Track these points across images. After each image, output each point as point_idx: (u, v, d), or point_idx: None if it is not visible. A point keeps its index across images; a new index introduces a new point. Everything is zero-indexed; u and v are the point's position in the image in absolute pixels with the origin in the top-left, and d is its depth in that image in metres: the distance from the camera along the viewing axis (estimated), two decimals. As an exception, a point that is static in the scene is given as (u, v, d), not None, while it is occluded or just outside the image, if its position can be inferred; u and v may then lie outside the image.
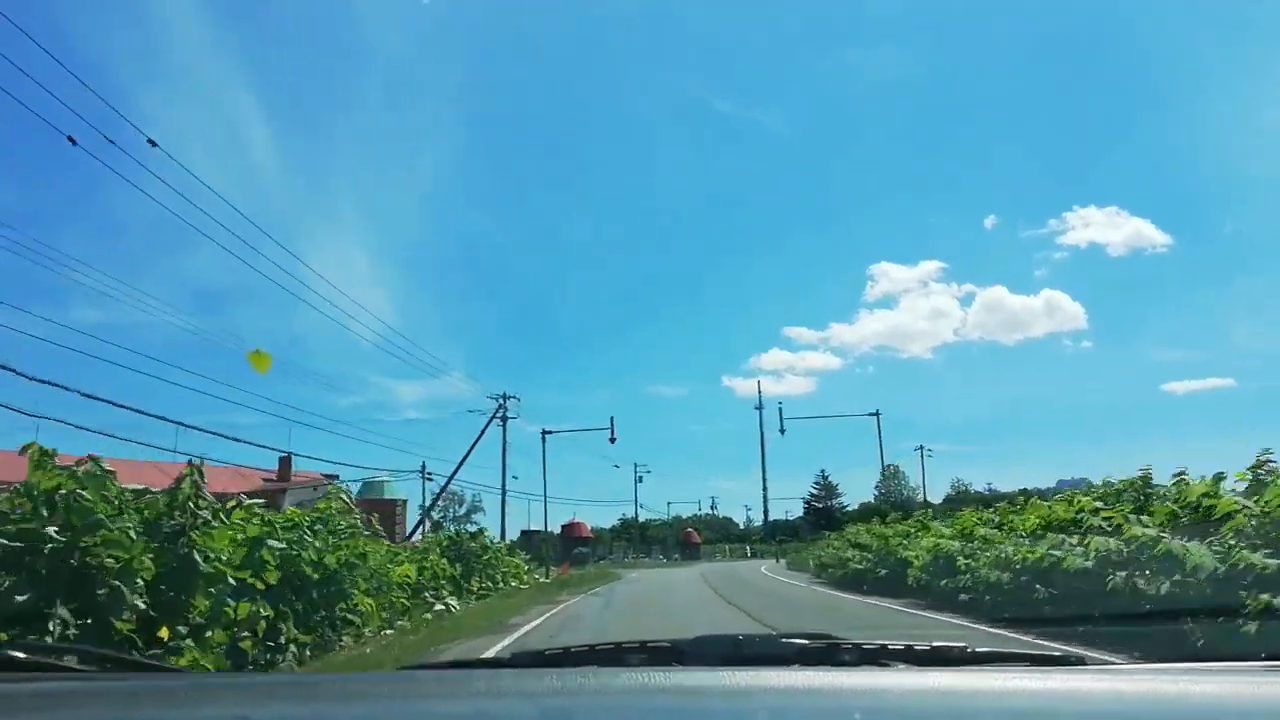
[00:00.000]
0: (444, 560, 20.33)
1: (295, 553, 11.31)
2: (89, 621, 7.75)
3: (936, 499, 69.06)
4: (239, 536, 10.44)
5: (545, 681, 1.43)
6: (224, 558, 9.86)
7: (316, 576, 11.84)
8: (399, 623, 16.11)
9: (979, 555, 15.78)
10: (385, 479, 62.63)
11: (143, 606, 8.70)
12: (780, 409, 57.41)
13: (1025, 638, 11.77)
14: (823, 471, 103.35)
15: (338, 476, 55.94)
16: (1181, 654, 8.49)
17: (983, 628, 13.22)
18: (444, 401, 77.28)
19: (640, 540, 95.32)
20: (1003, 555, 14.77)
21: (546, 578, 37.57)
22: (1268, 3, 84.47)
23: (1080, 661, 1.71)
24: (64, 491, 7.76)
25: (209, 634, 9.36)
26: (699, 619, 15.29)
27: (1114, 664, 2.13)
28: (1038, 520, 14.66)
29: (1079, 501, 14.10)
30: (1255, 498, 10.18)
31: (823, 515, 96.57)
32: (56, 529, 7.59)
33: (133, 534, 8.66)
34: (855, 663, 1.67)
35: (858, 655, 1.70)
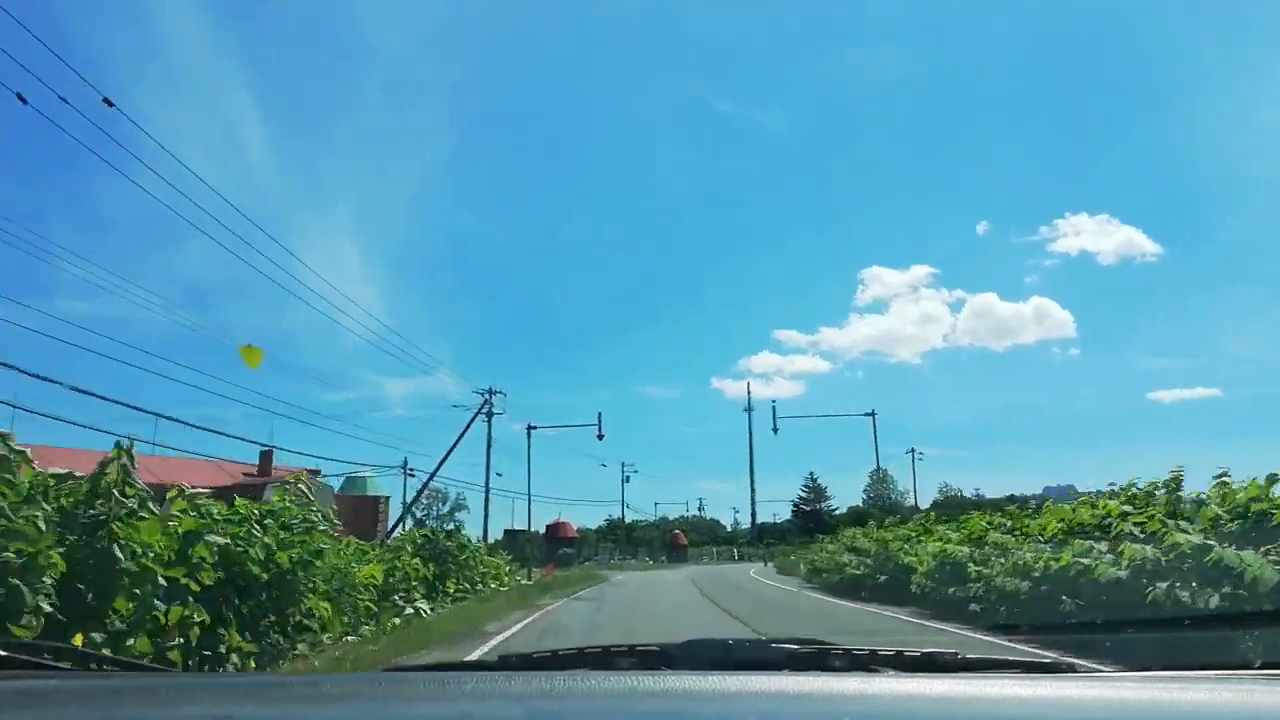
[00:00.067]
0: (417, 560, 19.03)
1: (241, 549, 10.04)
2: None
3: (924, 504, 68.14)
4: (176, 530, 9.17)
5: (533, 684, 1.47)
6: (153, 554, 8.60)
7: (266, 577, 10.57)
8: (365, 627, 14.85)
9: (993, 562, 14.64)
10: (367, 475, 61.30)
11: (49, 609, 7.46)
12: (774, 407, 56.42)
13: (1048, 653, 10.65)
14: (811, 474, 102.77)
15: (319, 471, 54.84)
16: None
17: (1002, 640, 12.04)
18: (433, 399, 76.87)
19: (627, 541, 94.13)
20: (1020, 562, 13.65)
21: (529, 579, 36.26)
22: (1267, 4, 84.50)
23: (1071, 669, 1.68)
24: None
25: (130, 641, 8.11)
26: (690, 626, 14.17)
27: (1105, 671, 2.06)
28: (1059, 525, 13.53)
29: (1105, 505, 12.98)
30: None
31: (811, 518, 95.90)
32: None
33: (41, 524, 7.41)
34: (845, 668, 1.67)
35: (848, 661, 1.69)
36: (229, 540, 9.91)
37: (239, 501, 10.66)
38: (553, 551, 69.14)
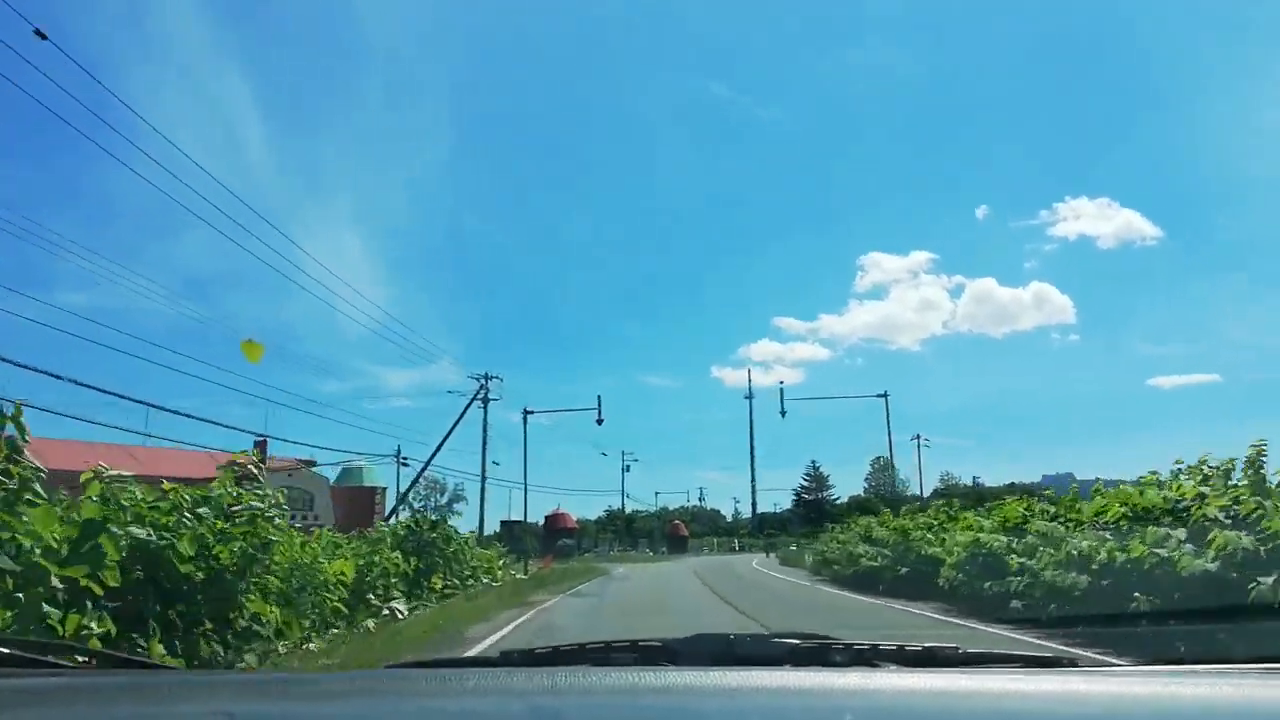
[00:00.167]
0: (397, 554, 17.34)
1: (165, 543, 8.36)
2: None
3: (924, 492, 66.71)
4: (76, 518, 7.49)
5: (535, 680, 1.46)
6: (42, 549, 6.93)
7: (201, 576, 8.89)
8: (333, 631, 13.19)
9: (1040, 553, 12.97)
10: (363, 465, 59.63)
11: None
12: (781, 389, 54.66)
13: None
14: (813, 463, 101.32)
15: (315, 462, 53.27)
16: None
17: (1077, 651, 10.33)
18: (433, 391, 75.29)
19: (627, 532, 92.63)
20: (1075, 553, 11.99)
21: (525, 573, 34.63)
22: (1266, 3, 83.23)
23: (1073, 663, 1.67)
24: None
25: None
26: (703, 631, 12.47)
27: (1107, 665, 2.02)
28: (1120, 510, 11.85)
29: (1178, 487, 11.30)
30: None
31: (813, 508, 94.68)
32: None
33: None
34: (847, 663, 1.65)
35: (850, 656, 1.68)
36: (149, 533, 8.23)
37: (168, 486, 8.95)
38: (551, 543, 67.60)
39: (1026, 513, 15.99)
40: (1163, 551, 10.06)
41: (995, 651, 1.70)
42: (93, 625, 7.14)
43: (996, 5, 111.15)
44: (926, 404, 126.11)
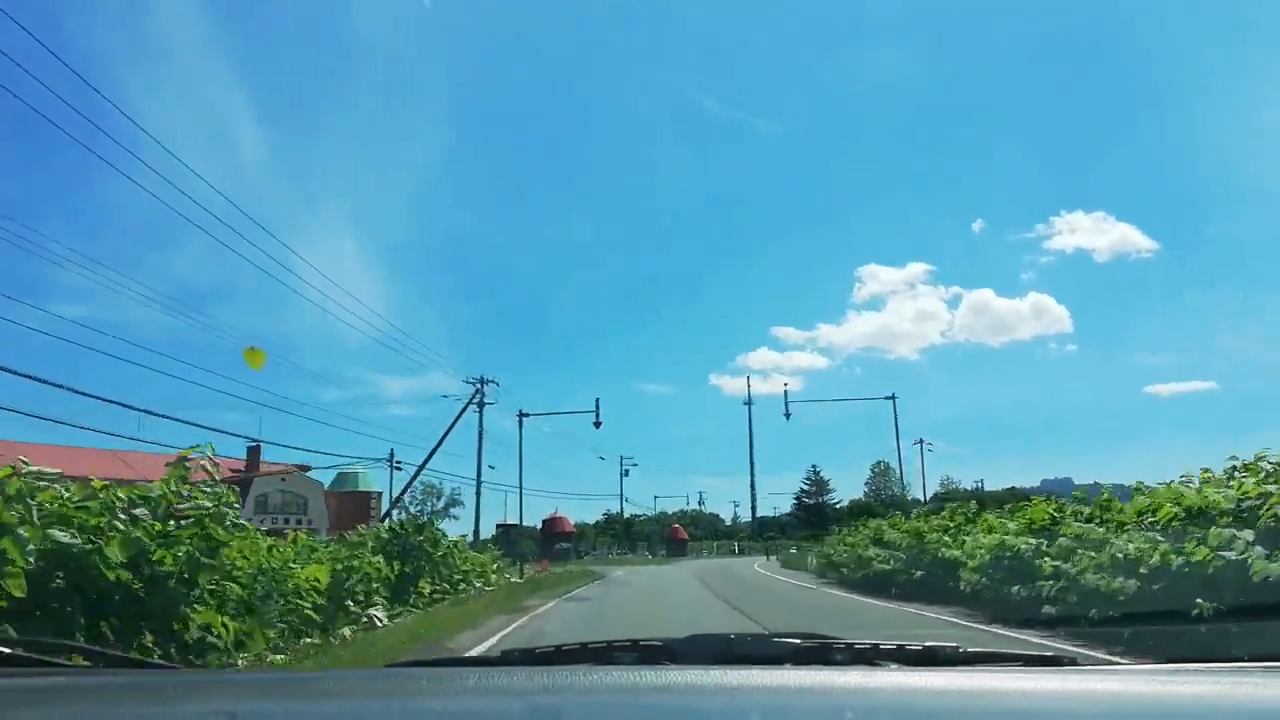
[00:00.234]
0: (380, 558, 16.17)
1: (93, 547, 7.22)
2: None
3: (926, 496, 65.79)
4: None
5: (536, 679, 1.44)
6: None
7: (138, 584, 7.76)
8: (306, 640, 12.05)
9: (1078, 556, 11.85)
10: (359, 470, 58.45)
11: None
12: (785, 390, 53.38)
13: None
14: (814, 467, 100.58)
15: (309, 466, 52.15)
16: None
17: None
18: (431, 396, 74.17)
19: (625, 536, 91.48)
20: (1121, 555, 10.87)
21: (520, 577, 33.43)
22: (1266, 3, 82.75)
23: (1073, 662, 1.66)
24: None
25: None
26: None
27: (1107, 664, 2.07)
28: (1172, 510, 10.72)
29: (1240, 485, 10.18)
30: None
31: (814, 511, 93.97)
32: None
33: None
34: (848, 662, 1.64)
35: (850, 655, 1.67)
36: (73, 536, 7.10)
37: (97, 483, 7.80)
38: (549, 547, 66.51)
39: (1055, 514, 14.87)
40: (1230, 554, 8.95)
41: (996, 650, 1.69)
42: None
43: (990, 18, 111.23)
44: (925, 412, 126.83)
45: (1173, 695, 1.24)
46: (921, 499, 58.71)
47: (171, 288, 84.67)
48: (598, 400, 43.51)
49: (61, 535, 6.97)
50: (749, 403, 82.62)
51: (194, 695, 1.36)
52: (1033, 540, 14.05)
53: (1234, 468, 11.11)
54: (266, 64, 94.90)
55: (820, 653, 1.67)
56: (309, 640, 12.15)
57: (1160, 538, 10.50)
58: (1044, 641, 11.12)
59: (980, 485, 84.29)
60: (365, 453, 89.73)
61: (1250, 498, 9.79)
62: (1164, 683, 1.32)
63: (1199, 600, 9.11)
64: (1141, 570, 10.45)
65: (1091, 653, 9.57)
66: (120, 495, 7.80)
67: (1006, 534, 15.04)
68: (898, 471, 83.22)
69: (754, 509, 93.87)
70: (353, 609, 13.99)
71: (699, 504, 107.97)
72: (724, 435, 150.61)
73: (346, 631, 12.64)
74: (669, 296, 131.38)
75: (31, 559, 6.30)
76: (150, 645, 8.10)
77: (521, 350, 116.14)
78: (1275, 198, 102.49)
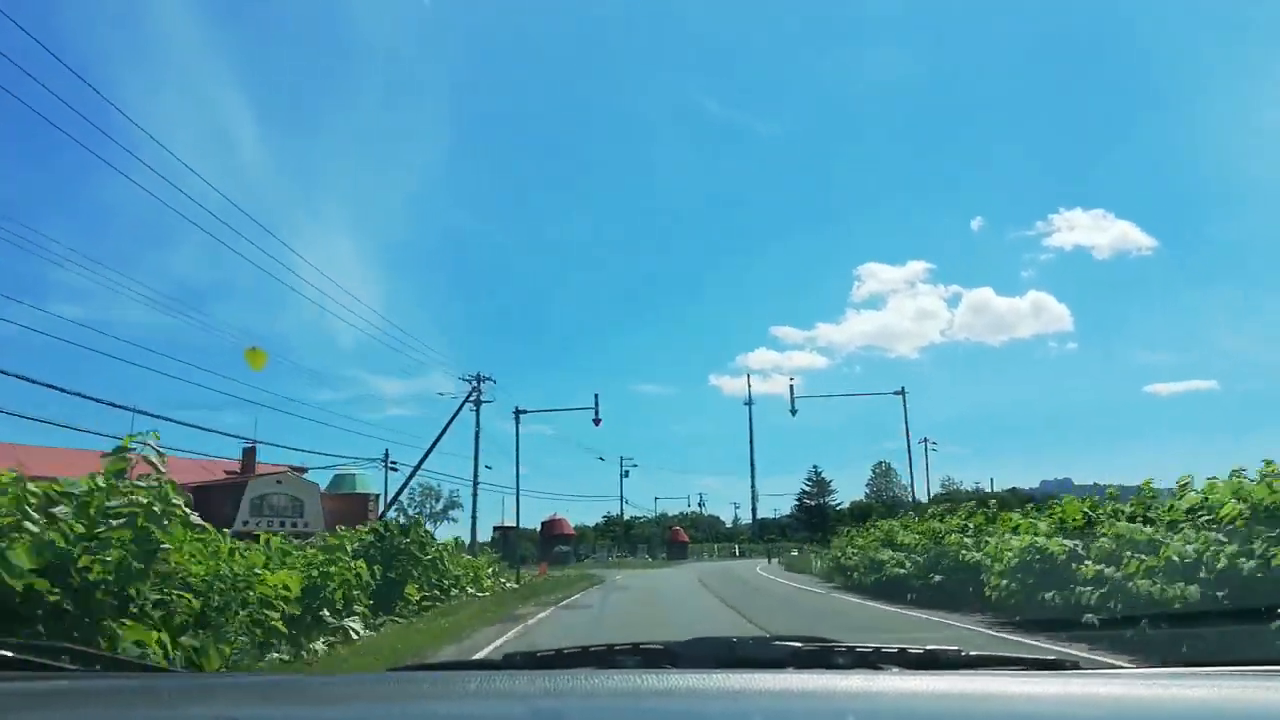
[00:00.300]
0: (361, 562, 15.02)
1: (-6, 551, 6.09)
2: None
3: (928, 496, 64.75)
4: None
5: (537, 683, 1.44)
6: None
7: (54, 596, 6.62)
8: (273, 656, 10.91)
9: (1129, 560, 10.70)
10: (356, 472, 57.25)
11: None
12: (791, 385, 52.13)
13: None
14: (815, 467, 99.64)
15: (306, 468, 51.01)
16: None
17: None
18: (430, 397, 72.89)
19: (625, 538, 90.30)
20: (1179, 558, 9.74)
21: (517, 582, 32.27)
22: (1266, 3, 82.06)
23: (1075, 666, 1.63)
24: None
25: None
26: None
27: (1109, 668, 2.02)
28: (1237, 506, 9.58)
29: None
30: None
31: (815, 513, 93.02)
32: None
33: None
34: (849, 666, 1.63)
35: (852, 658, 1.66)
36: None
37: (5, 475, 6.66)
38: (548, 549, 65.39)
39: (1090, 513, 13.74)
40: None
41: (997, 654, 1.68)
42: None
43: (989, 17, 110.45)
44: (925, 412, 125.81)
45: (1176, 699, 1.23)
46: (923, 500, 57.61)
47: (169, 287, 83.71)
48: (597, 396, 42.10)
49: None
50: (749, 403, 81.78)
51: (194, 699, 1.36)
52: (1067, 542, 12.92)
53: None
54: (266, 63, 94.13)
55: (822, 656, 1.67)
56: (276, 655, 11.02)
57: (1223, 538, 9.38)
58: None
59: (983, 485, 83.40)
60: (364, 453, 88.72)
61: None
62: (1167, 686, 1.32)
63: (1280, 609, 8.01)
64: (1203, 574, 9.34)
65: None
66: (34, 490, 6.66)
67: (1038, 535, 13.91)
68: (905, 469, 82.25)
69: (754, 511, 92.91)
70: (329, 619, 12.83)
71: (699, 505, 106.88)
72: (723, 435, 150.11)
73: (319, 645, 11.50)
74: (668, 296, 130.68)
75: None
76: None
77: (521, 351, 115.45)
78: (1275, 196, 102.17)
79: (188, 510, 8.46)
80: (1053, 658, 1.70)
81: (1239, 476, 10.63)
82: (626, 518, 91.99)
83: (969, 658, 1.64)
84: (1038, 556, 13.52)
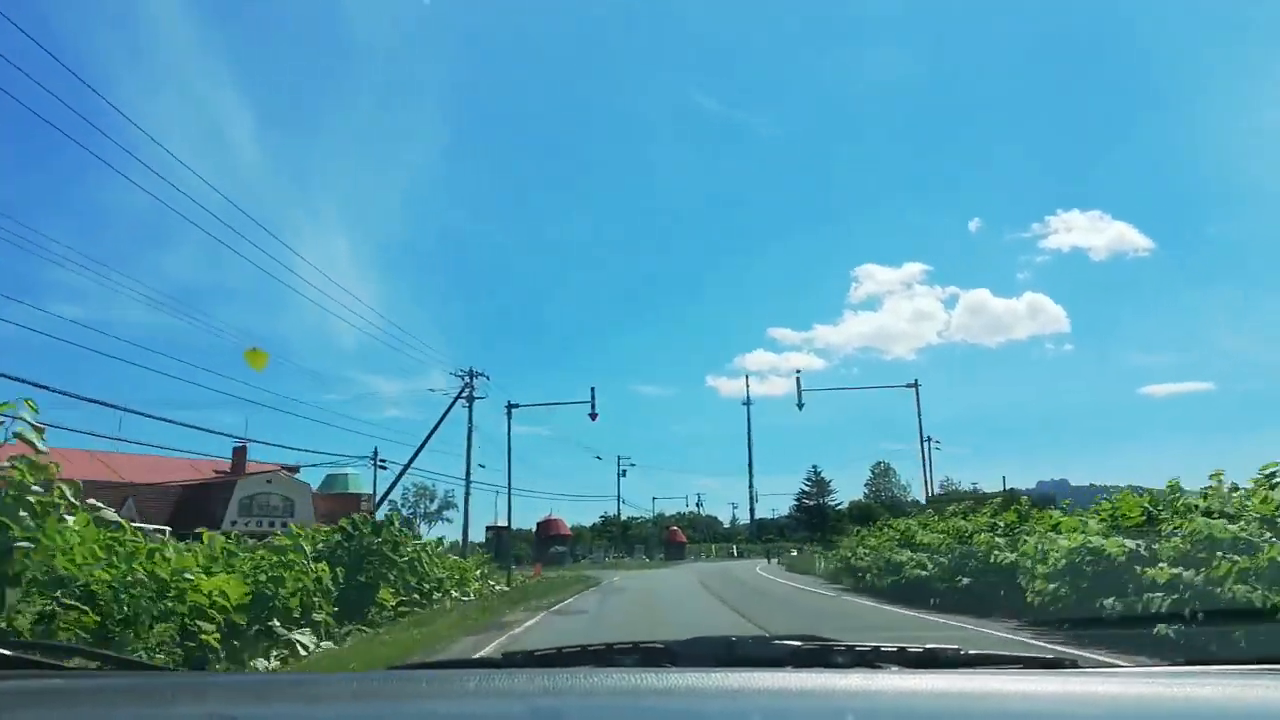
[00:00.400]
0: (322, 565, 13.32)
1: None
2: None
3: (928, 496, 63.40)
4: None
5: (536, 682, 1.42)
6: None
7: None
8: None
9: (1218, 560, 9.05)
10: (349, 471, 55.52)
11: None
12: (798, 379, 50.42)
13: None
14: (814, 467, 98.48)
15: (298, 468, 49.31)
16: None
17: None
18: (426, 398, 71.42)
19: (622, 539, 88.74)
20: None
21: (508, 584, 30.56)
22: (1266, 3, 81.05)
23: (1074, 664, 1.61)
24: None
25: None
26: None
27: (1108, 667, 1.98)
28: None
29: None
30: None
31: (814, 513, 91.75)
32: None
33: None
34: (848, 665, 1.62)
35: (851, 657, 1.65)
36: None
37: None
38: (544, 550, 63.73)
39: (1151, 509, 12.10)
40: None
41: (996, 653, 1.66)
42: None
43: (989, 18, 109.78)
44: (923, 412, 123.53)
45: (1175, 698, 1.22)
46: (922, 500, 56.14)
47: (165, 286, 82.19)
48: (593, 390, 40.24)
49: None
50: (748, 403, 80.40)
51: (191, 698, 1.35)
52: (1128, 542, 11.28)
53: None
54: (264, 63, 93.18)
55: (821, 655, 1.66)
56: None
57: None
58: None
59: (980, 485, 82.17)
60: (359, 453, 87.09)
61: None
62: (1166, 685, 1.30)
63: None
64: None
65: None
66: None
67: (1090, 534, 12.26)
68: (907, 469, 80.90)
69: (753, 511, 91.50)
70: (278, 630, 11.12)
71: (697, 506, 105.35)
72: (721, 436, 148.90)
73: (261, 663, 9.81)
74: (667, 297, 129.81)
75: None
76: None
77: (519, 350, 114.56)
78: (1273, 198, 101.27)
79: (76, 502, 6.75)
80: (1051, 656, 1.68)
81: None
82: (624, 518, 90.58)
83: (968, 656, 1.61)
84: (1088, 559, 11.91)
